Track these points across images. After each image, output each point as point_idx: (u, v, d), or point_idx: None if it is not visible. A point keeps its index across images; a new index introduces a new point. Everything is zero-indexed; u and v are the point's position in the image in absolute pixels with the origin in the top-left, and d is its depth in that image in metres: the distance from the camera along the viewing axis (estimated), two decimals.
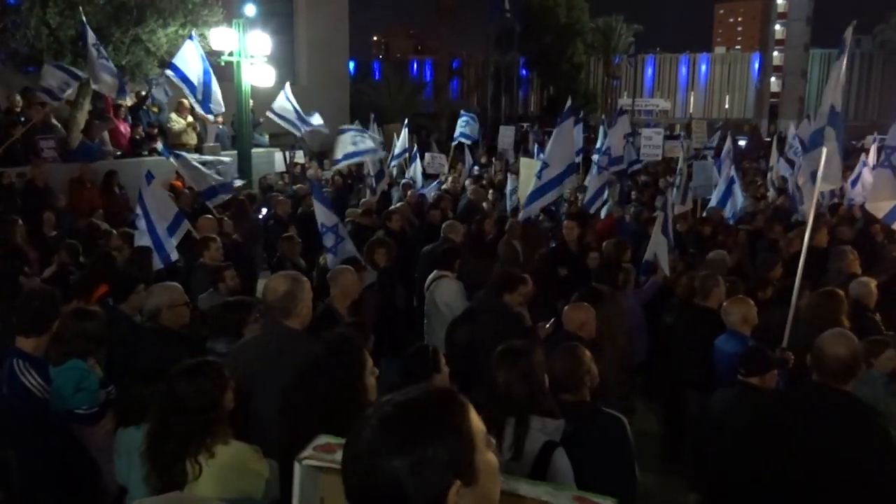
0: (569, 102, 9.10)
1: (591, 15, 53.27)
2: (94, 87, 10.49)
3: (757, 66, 71.57)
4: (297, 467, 1.70)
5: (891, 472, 3.00)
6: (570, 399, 3.20)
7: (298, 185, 12.52)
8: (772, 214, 10.55)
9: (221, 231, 7.73)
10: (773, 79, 67.41)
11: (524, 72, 55.45)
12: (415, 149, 14.45)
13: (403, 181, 13.08)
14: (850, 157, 14.09)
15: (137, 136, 13.06)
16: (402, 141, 14.33)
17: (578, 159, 11.51)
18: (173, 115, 13.54)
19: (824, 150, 5.37)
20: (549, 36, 49.37)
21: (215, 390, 2.77)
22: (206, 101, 10.83)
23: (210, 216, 8.20)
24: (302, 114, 13.05)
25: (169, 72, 10.65)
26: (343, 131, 12.53)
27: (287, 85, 12.79)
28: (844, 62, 5.46)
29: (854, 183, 10.86)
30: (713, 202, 10.93)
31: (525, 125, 33.49)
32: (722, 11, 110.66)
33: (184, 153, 10.66)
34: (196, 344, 4.13)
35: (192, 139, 13.49)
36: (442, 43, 42.69)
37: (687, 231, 9.33)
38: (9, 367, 3.54)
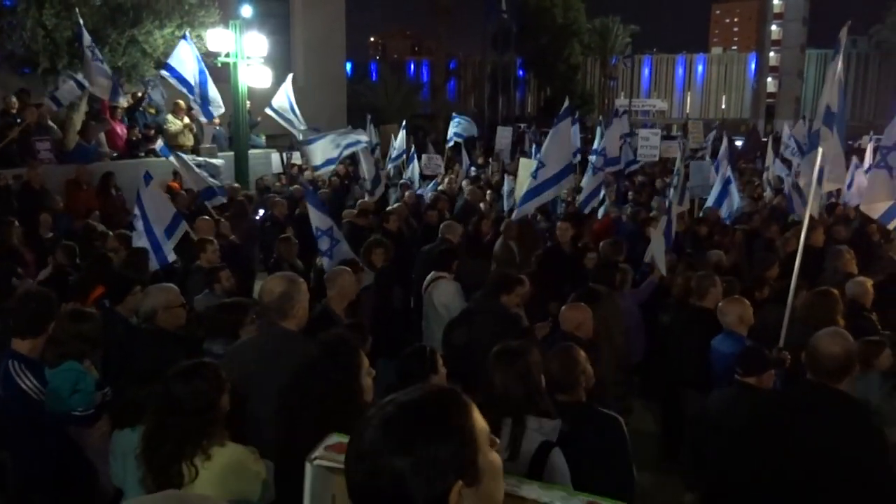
0: (566, 103, 9.11)
1: (587, 16, 53.35)
2: (89, 89, 10.48)
3: (753, 66, 71.77)
4: (308, 467, 1.71)
5: (884, 470, 3.01)
6: (565, 399, 3.20)
7: (295, 186, 12.49)
8: (768, 214, 10.58)
9: (218, 232, 7.72)
10: (769, 79, 67.60)
11: (521, 72, 55.47)
12: (412, 150, 14.45)
13: (401, 182, 13.07)
14: (847, 157, 14.11)
15: (134, 138, 13.04)
16: (399, 142, 14.33)
17: (576, 160, 11.52)
18: (169, 117, 13.52)
19: (819, 151, 5.39)
20: (545, 37, 49.42)
21: (211, 392, 2.77)
22: (205, 104, 10.81)
23: (207, 217, 8.19)
24: (299, 114, 12.97)
25: (164, 72, 10.63)
26: (311, 141, 11.49)
27: (289, 79, 12.60)
28: (840, 62, 5.47)
29: (849, 185, 10.88)
30: (709, 202, 10.95)
31: (522, 126, 33.49)
32: (718, 12, 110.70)
33: (182, 154, 10.65)
34: (192, 345, 4.12)
35: (188, 140, 13.47)
36: (439, 44, 42.79)
37: (684, 231, 9.34)
38: (4, 369, 3.53)
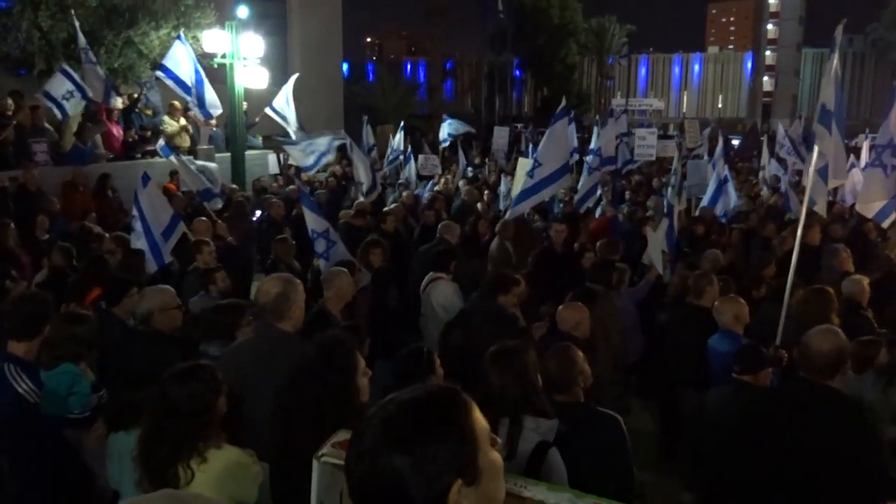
0: (563, 103, 9.11)
1: (584, 15, 53.47)
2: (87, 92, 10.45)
3: (750, 65, 71.87)
4: (315, 465, 1.71)
5: (878, 466, 3.02)
6: (563, 399, 3.20)
7: (292, 187, 12.48)
8: (765, 213, 10.58)
9: (216, 234, 7.71)
10: (765, 78, 67.77)
11: (518, 73, 55.51)
12: (409, 150, 14.46)
13: (399, 182, 13.06)
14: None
15: (130, 139, 13.01)
16: (396, 143, 14.32)
17: (573, 160, 11.53)
18: (166, 118, 13.50)
19: (816, 150, 5.40)
20: (542, 37, 49.50)
21: (208, 394, 2.76)
22: (202, 105, 10.79)
23: (204, 219, 8.17)
24: (293, 115, 12.95)
25: (159, 73, 10.61)
26: (290, 143, 11.61)
27: (292, 80, 12.55)
28: (836, 61, 5.48)
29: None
30: (704, 202, 10.96)
31: (519, 126, 33.52)
32: (714, 11, 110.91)
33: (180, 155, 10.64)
34: (188, 347, 4.11)
35: (185, 142, 13.44)
36: (435, 44, 42.87)
37: (681, 230, 9.35)
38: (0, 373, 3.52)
